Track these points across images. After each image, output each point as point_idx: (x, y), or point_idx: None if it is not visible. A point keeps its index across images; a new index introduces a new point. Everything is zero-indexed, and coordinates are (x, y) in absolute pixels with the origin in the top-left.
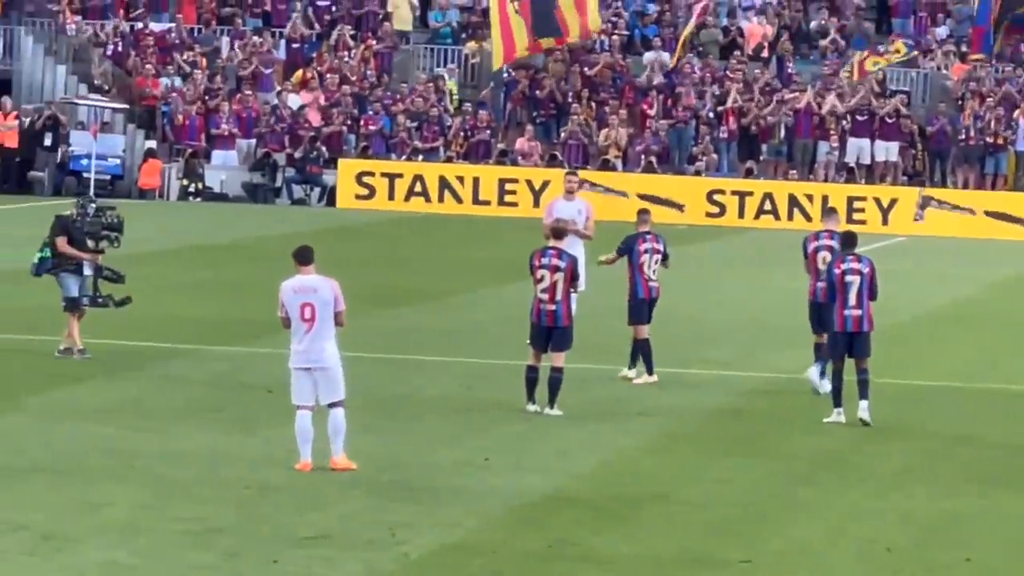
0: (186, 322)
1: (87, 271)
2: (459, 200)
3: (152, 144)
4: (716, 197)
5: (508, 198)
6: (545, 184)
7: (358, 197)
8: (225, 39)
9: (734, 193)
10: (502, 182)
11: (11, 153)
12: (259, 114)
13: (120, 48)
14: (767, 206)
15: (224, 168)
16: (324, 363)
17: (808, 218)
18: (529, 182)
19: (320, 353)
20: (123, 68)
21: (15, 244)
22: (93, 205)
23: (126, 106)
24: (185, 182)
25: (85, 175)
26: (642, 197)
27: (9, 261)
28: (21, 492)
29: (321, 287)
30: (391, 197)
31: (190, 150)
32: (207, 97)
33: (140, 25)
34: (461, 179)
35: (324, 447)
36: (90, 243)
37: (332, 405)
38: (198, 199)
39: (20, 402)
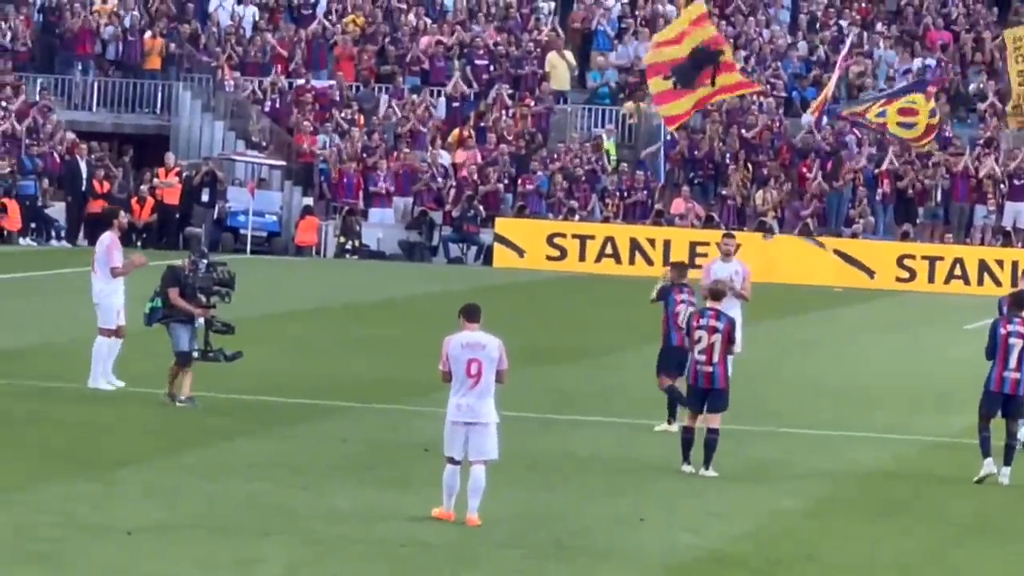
0: (342, 380)
1: (198, 323)
2: (650, 262)
3: (309, 201)
4: (907, 262)
5: (700, 260)
6: (737, 248)
7: (549, 258)
8: (383, 97)
9: (924, 258)
10: (693, 245)
11: (171, 209)
12: (416, 172)
13: (278, 105)
14: (957, 271)
15: (381, 226)
16: (484, 419)
17: (998, 283)
18: (720, 245)
19: (481, 409)
20: (281, 125)
21: None
22: (205, 260)
23: (283, 163)
24: (342, 239)
25: (242, 232)
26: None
27: None
28: (177, 548)
29: (489, 344)
30: (582, 258)
31: (347, 207)
32: (365, 155)
33: (298, 82)
34: (652, 241)
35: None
36: (201, 298)
37: (476, 463)
38: (355, 256)
39: (176, 458)
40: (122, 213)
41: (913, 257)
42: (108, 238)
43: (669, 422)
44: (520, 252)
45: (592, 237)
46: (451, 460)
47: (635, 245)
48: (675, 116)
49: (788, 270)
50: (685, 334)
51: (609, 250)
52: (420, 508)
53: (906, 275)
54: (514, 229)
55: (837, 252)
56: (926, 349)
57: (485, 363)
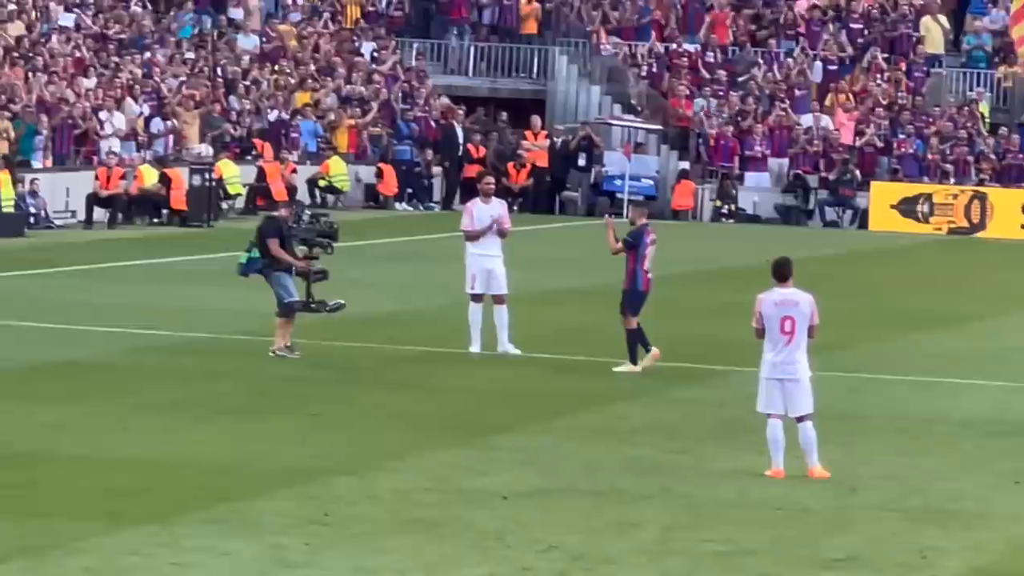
0: (718, 344)
1: (295, 273)
2: None
3: (685, 165)
4: None
5: None
6: None
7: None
8: (759, 60)
9: None
10: None
11: (542, 172)
12: (792, 136)
13: (654, 68)
14: None
15: (757, 189)
16: (797, 375)
17: None
18: None
19: (795, 365)
20: (657, 89)
21: (547, 264)
22: (308, 211)
23: (660, 127)
24: (718, 203)
25: (619, 196)
26: None
27: (551, 280)
28: (555, 512)
29: (802, 301)
30: (955, 221)
31: (723, 171)
32: (740, 118)
33: (674, 46)
34: None
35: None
36: (303, 249)
37: (801, 419)
38: (731, 220)
39: (552, 423)
40: (486, 179)
41: None
42: (471, 201)
43: (634, 362)
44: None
45: (972, 199)
46: (772, 416)
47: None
48: None
49: None
50: (646, 273)
51: (987, 212)
52: (796, 470)
53: None
54: (889, 193)
55: None
56: None
57: (798, 319)
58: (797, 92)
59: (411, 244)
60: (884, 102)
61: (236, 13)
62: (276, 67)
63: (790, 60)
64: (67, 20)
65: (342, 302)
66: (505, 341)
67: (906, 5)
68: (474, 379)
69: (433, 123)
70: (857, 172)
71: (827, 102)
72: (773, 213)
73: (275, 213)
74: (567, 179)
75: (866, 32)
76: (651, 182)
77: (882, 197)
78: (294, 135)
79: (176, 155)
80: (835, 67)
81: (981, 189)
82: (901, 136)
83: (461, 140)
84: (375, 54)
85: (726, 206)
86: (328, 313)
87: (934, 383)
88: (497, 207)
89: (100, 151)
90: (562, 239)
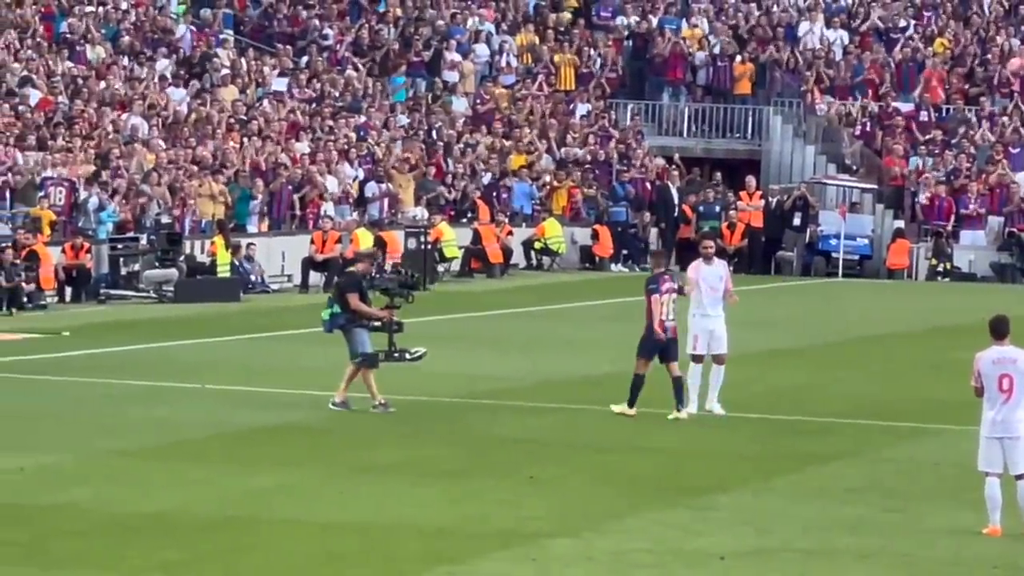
0: (933, 403)
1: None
2: None
3: (900, 224)
4: None
5: None
6: None
7: None
8: (973, 118)
9: None
10: None
11: (757, 233)
12: (1009, 193)
13: (868, 128)
14: None
15: (972, 248)
16: (1017, 433)
17: None
18: None
19: (1015, 423)
20: (872, 148)
21: (761, 324)
22: (390, 263)
23: (874, 186)
24: (934, 262)
25: (834, 255)
26: None
27: (765, 339)
28: (772, 572)
29: (1019, 358)
30: None
31: (938, 230)
32: (954, 177)
33: (888, 104)
34: None
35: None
36: (385, 299)
37: (1019, 477)
38: (946, 279)
39: (769, 483)
40: (704, 242)
41: None
42: (694, 263)
43: (678, 409)
44: None
45: None
46: (990, 474)
47: None
48: None
49: None
50: (662, 321)
51: None
52: (1013, 528)
53: None
54: None
55: None
56: None
57: (1016, 377)
58: (1012, 150)
59: (626, 305)
60: None
61: (450, 76)
62: (491, 129)
63: (1004, 118)
64: (280, 85)
65: (423, 350)
66: (714, 399)
67: None
68: (691, 440)
69: (648, 184)
70: None
71: None
72: (988, 271)
73: (353, 268)
74: (782, 239)
75: None
76: (866, 241)
77: None
78: (504, 196)
79: (391, 218)
80: None
81: None
82: None
83: (676, 201)
84: (589, 116)
85: (941, 264)
86: (410, 362)
87: None
88: (720, 268)
89: (320, 214)
90: (777, 299)
